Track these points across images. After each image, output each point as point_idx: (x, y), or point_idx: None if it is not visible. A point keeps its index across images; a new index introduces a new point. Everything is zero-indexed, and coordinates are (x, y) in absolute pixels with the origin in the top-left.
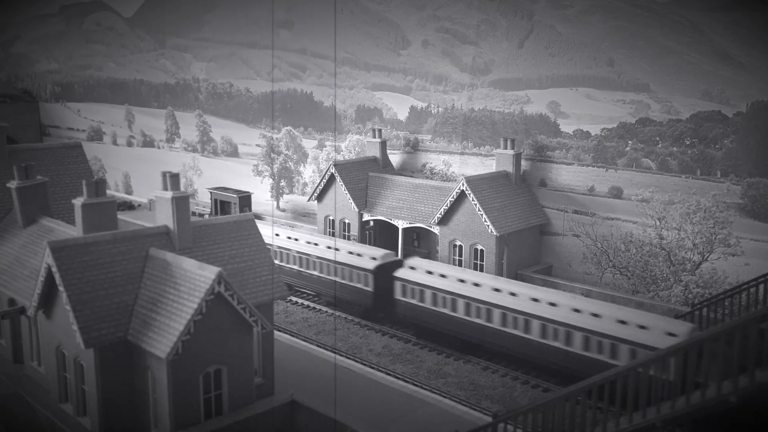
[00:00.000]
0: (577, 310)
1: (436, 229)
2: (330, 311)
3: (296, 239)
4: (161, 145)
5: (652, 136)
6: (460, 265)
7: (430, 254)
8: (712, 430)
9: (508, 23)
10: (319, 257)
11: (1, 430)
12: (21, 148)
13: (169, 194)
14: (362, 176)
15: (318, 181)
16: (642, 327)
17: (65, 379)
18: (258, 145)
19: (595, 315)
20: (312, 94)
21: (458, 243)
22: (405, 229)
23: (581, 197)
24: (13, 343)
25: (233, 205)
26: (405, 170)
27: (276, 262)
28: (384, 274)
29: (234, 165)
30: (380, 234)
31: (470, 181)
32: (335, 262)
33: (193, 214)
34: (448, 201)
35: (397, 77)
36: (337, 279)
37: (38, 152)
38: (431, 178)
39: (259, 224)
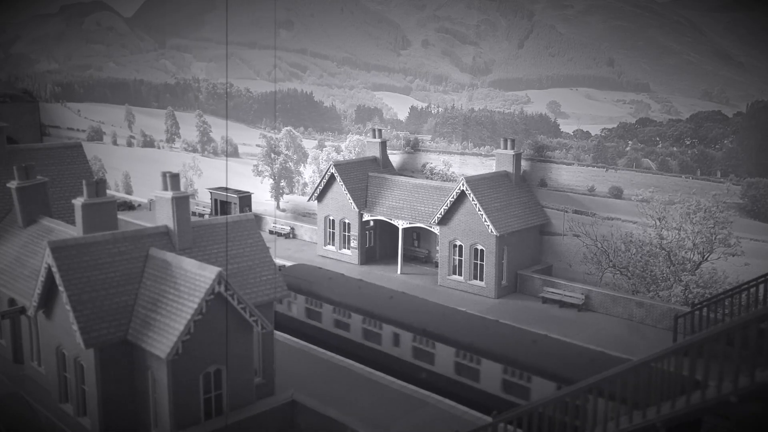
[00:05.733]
0: None
1: (436, 229)
2: None
3: None
4: (161, 145)
5: (652, 136)
6: (460, 265)
7: (430, 254)
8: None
9: (508, 23)
10: None
11: (1, 430)
12: (21, 148)
13: (169, 194)
14: (362, 176)
15: (318, 181)
16: None
17: (65, 379)
18: (258, 145)
19: None
20: (312, 94)
21: (458, 243)
22: (405, 229)
23: (581, 197)
24: (13, 343)
25: (233, 205)
26: (405, 170)
27: None
28: None
29: (234, 165)
30: (380, 234)
31: (470, 181)
32: None
33: (193, 214)
34: (448, 201)
35: (397, 77)
36: None
37: (38, 152)
38: (431, 178)
39: None
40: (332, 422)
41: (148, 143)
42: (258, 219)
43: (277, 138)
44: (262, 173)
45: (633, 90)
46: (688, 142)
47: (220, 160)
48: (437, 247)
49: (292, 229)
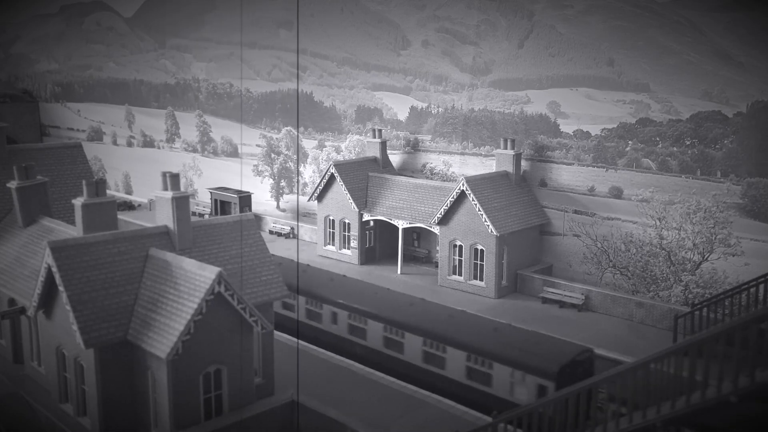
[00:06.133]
0: None
1: (436, 229)
2: None
3: None
4: (161, 145)
5: (652, 136)
6: (460, 265)
7: (430, 254)
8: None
9: (508, 23)
10: None
11: (1, 430)
12: (21, 148)
13: (169, 194)
14: (362, 176)
15: (318, 181)
16: None
17: (65, 379)
18: (258, 145)
19: None
20: (312, 94)
21: (458, 243)
22: (405, 229)
23: (581, 197)
24: (13, 343)
25: (233, 205)
26: (405, 170)
27: None
28: None
29: (234, 165)
30: (380, 234)
31: (470, 181)
32: None
33: (193, 214)
34: (448, 201)
35: (397, 77)
36: None
37: (38, 152)
38: (431, 179)
39: None
40: (332, 422)
41: (148, 143)
42: (258, 219)
43: (277, 138)
44: (262, 173)
45: (633, 90)
46: (688, 142)
47: (220, 160)
48: (437, 247)
49: (292, 229)
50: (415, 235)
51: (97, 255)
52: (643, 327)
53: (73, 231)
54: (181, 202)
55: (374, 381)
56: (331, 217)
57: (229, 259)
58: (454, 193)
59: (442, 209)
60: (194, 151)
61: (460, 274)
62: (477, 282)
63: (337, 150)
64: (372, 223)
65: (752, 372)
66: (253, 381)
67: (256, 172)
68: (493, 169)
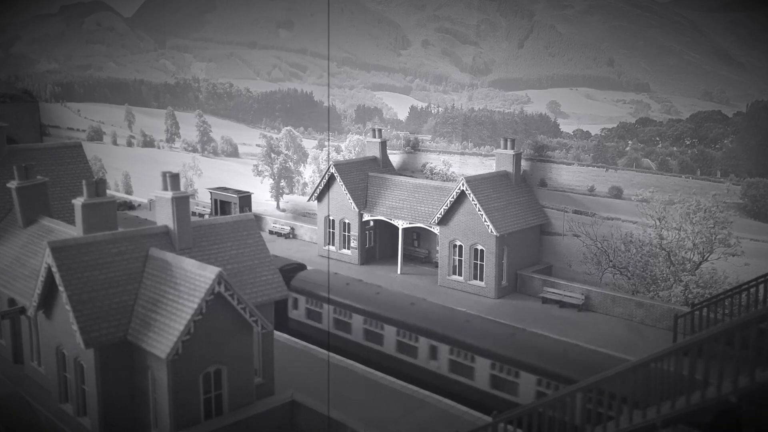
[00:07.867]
0: None
1: (436, 229)
2: None
3: None
4: (161, 145)
5: (652, 136)
6: (460, 265)
7: (430, 254)
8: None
9: (508, 23)
10: None
11: (1, 430)
12: (21, 148)
13: (169, 194)
14: (362, 176)
15: (318, 181)
16: None
17: (65, 379)
18: (258, 145)
19: None
20: (312, 94)
21: (458, 243)
22: (405, 229)
23: (581, 197)
24: (13, 343)
25: (233, 205)
26: (405, 170)
27: None
28: None
29: (234, 165)
30: (380, 234)
31: (470, 181)
32: None
33: (193, 214)
34: (448, 201)
35: (397, 77)
36: None
37: (38, 152)
38: (431, 178)
39: None
40: (332, 422)
41: (148, 143)
42: (258, 219)
43: (277, 138)
44: (262, 173)
45: (633, 90)
46: (688, 142)
47: (220, 160)
48: (437, 247)
49: (292, 229)
50: (415, 235)
51: (97, 255)
52: (643, 327)
53: (73, 231)
54: (181, 202)
55: (374, 381)
56: (331, 217)
57: (229, 259)
58: (454, 193)
59: (442, 209)
60: (194, 151)
61: (460, 274)
62: (477, 282)
63: (337, 150)
64: (372, 223)
65: (752, 372)
66: (253, 381)
67: (256, 172)
68: (493, 169)
